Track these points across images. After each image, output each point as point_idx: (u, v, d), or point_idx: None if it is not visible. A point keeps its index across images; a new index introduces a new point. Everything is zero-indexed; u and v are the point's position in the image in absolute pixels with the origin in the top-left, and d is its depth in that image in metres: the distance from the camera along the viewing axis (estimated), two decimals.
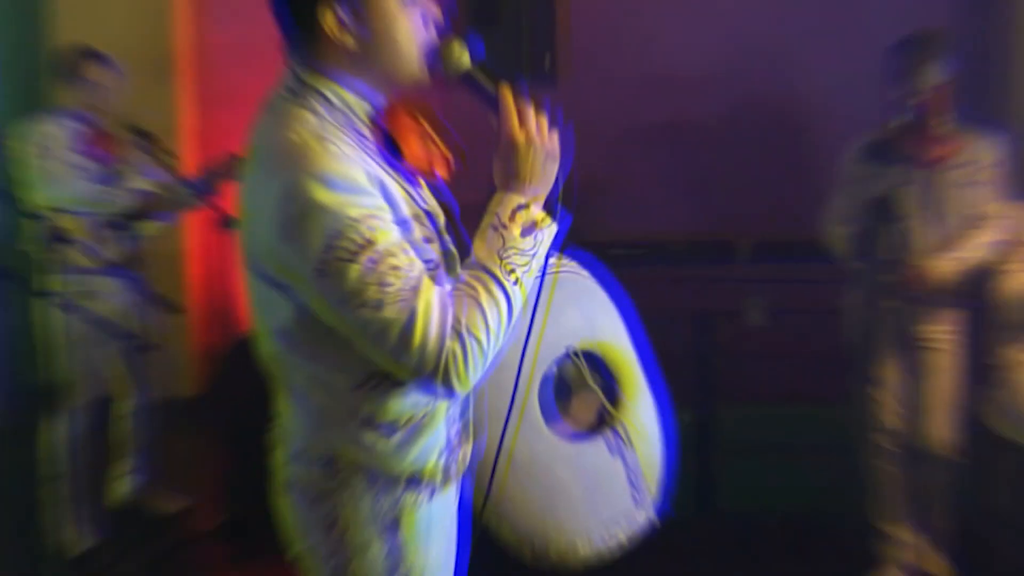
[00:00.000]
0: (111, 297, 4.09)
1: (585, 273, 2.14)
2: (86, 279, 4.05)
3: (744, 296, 4.52)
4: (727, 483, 4.26)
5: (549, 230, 1.63)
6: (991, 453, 3.75)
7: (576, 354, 2.09)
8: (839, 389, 3.96)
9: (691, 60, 5.23)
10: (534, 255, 1.61)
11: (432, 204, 1.72)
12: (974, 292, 3.68)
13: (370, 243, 1.47)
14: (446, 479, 1.76)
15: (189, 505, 4.46)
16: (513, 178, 1.62)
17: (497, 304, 1.56)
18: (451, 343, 1.50)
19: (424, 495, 1.72)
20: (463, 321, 1.51)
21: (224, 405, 4.92)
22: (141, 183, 4.16)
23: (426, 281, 1.51)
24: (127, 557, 4.08)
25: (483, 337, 1.53)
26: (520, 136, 1.60)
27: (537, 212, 1.62)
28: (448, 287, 1.56)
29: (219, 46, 5.68)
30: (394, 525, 1.70)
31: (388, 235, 1.50)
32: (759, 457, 4.40)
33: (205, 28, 5.70)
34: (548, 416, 2.06)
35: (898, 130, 3.46)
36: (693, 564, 3.91)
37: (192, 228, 5.67)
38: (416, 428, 1.69)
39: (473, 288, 1.55)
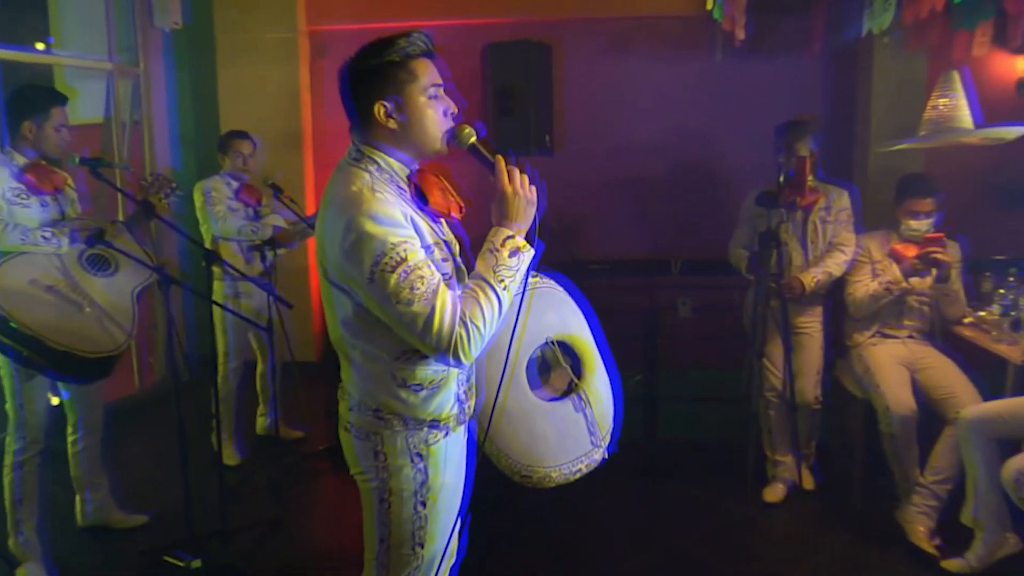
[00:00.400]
0: (252, 297, 4.09)
1: (559, 288, 2.12)
2: (237, 285, 4.05)
3: (677, 297, 4.46)
4: (664, 422, 4.21)
5: (528, 253, 1.64)
6: (841, 401, 3.69)
7: (553, 343, 2.07)
8: (741, 359, 3.91)
9: (645, 134, 5.19)
10: (517, 270, 1.62)
11: (449, 235, 1.76)
12: (831, 295, 3.63)
13: (404, 260, 1.53)
14: (458, 423, 1.78)
15: (305, 435, 4.46)
16: (504, 217, 1.63)
17: (491, 303, 1.58)
18: (459, 328, 1.55)
19: (441, 434, 1.74)
20: (467, 313, 1.56)
21: (334, 367, 4.94)
22: (276, 220, 4.15)
23: (442, 287, 1.57)
24: (264, 468, 4.07)
25: (480, 325, 1.57)
26: (509, 189, 1.62)
27: (520, 241, 1.62)
28: (458, 291, 1.60)
29: (331, 126, 5.68)
30: (421, 455, 1.72)
31: (416, 255, 1.55)
32: (686, 405, 4.36)
33: (322, 113, 5.70)
34: (532, 384, 2.05)
35: (781, 184, 3.39)
36: (639, 477, 3.87)
37: (313, 249, 5.66)
38: (436, 387, 1.72)
39: (475, 292, 1.59)
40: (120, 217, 4.30)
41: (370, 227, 1.53)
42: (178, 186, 3.44)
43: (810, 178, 3.48)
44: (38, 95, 2.98)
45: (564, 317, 2.11)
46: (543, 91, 4.89)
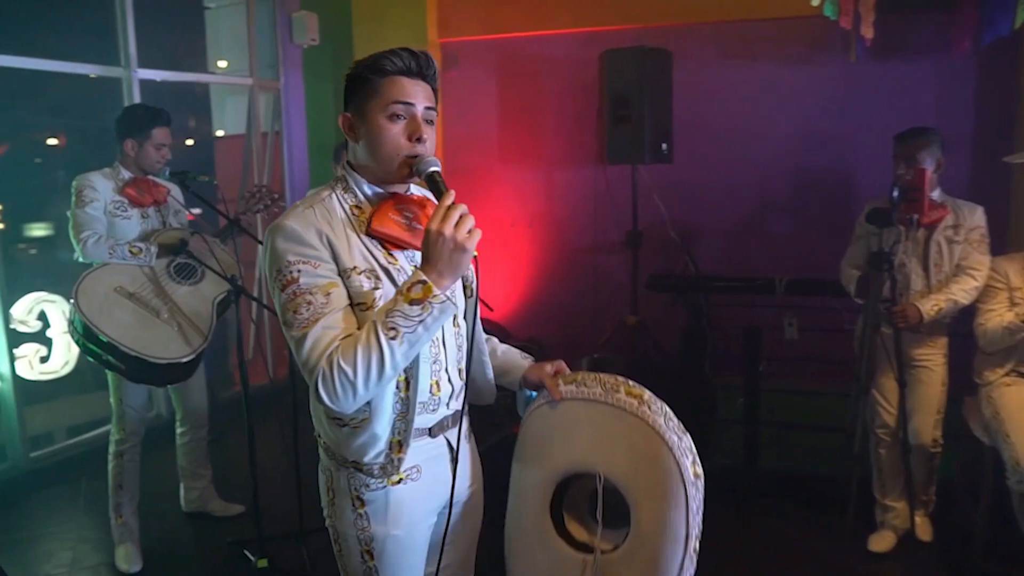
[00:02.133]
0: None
1: (653, 411, 1.69)
2: None
3: (783, 317, 4.09)
4: (765, 449, 3.89)
5: (438, 306, 1.40)
6: (967, 444, 3.21)
7: (600, 482, 1.70)
8: (849, 387, 3.51)
9: (766, 144, 4.86)
10: (419, 322, 1.40)
11: (399, 265, 1.55)
12: (958, 325, 3.18)
13: (294, 280, 1.44)
14: (383, 474, 1.58)
15: None
16: (424, 260, 1.43)
17: (369, 350, 1.39)
18: (324, 365, 1.40)
19: (374, 482, 1.58)
20: (337, 353, 1.39)
21: None
22: None
23: (326, 317, 1.42)
24: None
25: (349, 371, 1.38)
26: (434, 227, 1.40)
27: (430, 290, 1.39)
28: (341, 326, 1.43)
29: (456, 136, 5.74)
30: (357, 500, 1.59)
31: (310, 278, 1.45)
32: (790, 433, 4.00)
33: (448, 123, 5.77)
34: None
35: (894, 199, 3.00)
36: (731, 509, 3.58)
37: None
38: (353, 428, 1.55)
39: (360, 334, 1.41)
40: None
41: (276, 241, 1.47)
42: (280, 196, 3.57)
43: (936, 192, 3.08)
44: (140, 116, 3.17)
45: (631, 453, 1.67)
46: (661, 98, 4.65)
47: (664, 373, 4.74)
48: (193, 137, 5.82)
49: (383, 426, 1.54)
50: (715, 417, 4.24)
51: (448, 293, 1.42)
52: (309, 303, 1.42)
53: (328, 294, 1.44)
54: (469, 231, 1.39)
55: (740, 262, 4.89)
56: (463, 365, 1.68)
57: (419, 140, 1.51)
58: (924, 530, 3.27)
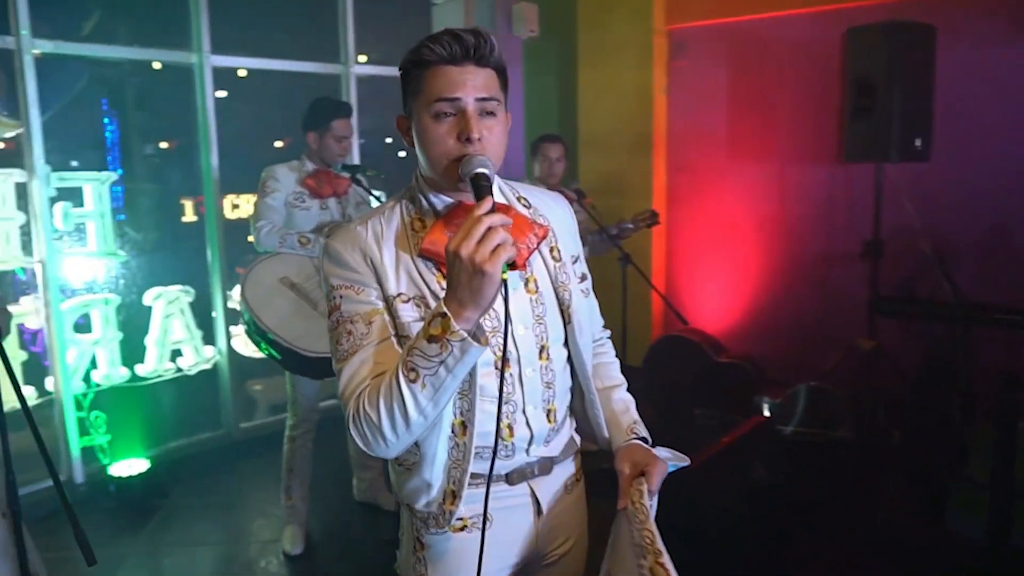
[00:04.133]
0: None
1: None
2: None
3: None
4: (1019, 526, 3.04)
5: (459, 346, 1.14)
6: None
7: None
8: None
9: None
10: (440, 363, 1.15)
11: None
12: None
13: (336, 307, 1.29)
14: (437, 522, 1.37)
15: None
16: (447, 286, 1.16)
17: (392, 393, 1.19)
18: (353, 406, 1.23)
19: (430, 526, 1.38)
20: (366, 393, 1.22)
21: (652, 373, 4.62)
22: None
23: (364, 350, 1.26)
24: None
25: (373, 415, 1.20)
26: (451, 246, 1.13)
27: (449, 325, 1.13)
28: (379, 360, 1.26)
29: (682, 128, 5.30)
30: (418, 542, 1.41)
31: (351, 306, 1.29)
32: None
33: (673, 115, 5.34)
34: None
35: None
36: None
37: (658, 257, 5.35)
38: (406, 469, 1.36)
39: (387, 373, 1.21)
40: None
41: (324, 263, 1.33)
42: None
43: None
44: (323, 108, 3.18)
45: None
46: (918, 83, 3.84)
47: (901, 414, 3.96)
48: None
49: (435, 473, 1.33)
50: (960, 475, 3.43)
51: (476, 329, 1.16)
52: (350, 333, 1.27)
53: (370, 323, 1.27)
54: (494, 250, 1.11)
55: (1007, 287, 3.91)
56: (556, 405, 1.41)
57: (468, 140, 1.25)
58: None
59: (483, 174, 1.21)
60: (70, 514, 1.58)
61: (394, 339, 1.27)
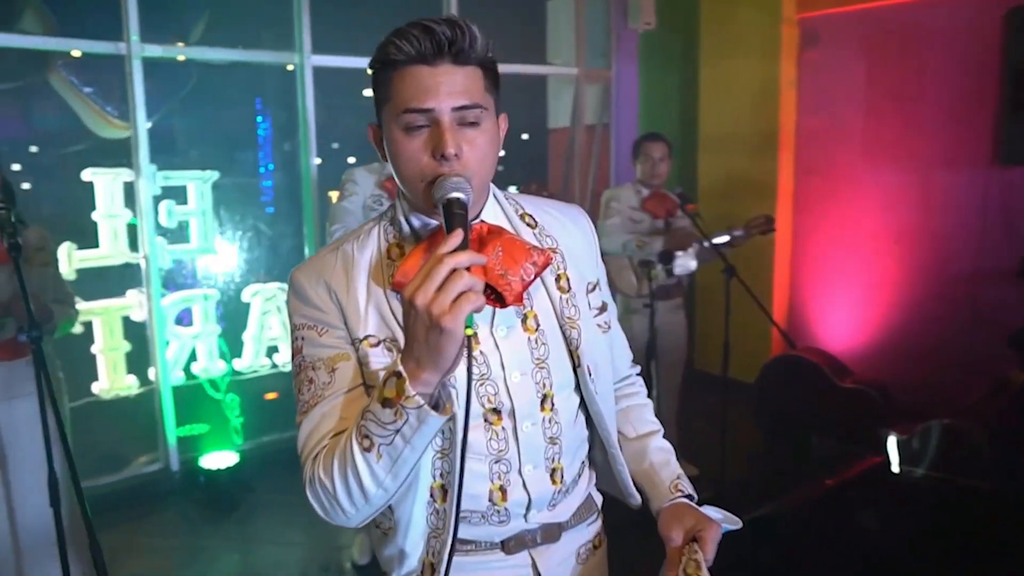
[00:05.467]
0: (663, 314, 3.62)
1: None
2: (630, 301, 3.67)
3: None
4: None
5: (418, 413, 0.94)
6: None
7: None
8: None
9: None
10: (397, 431, 0.95)
11: None
12: None
13: (298, 351, 1.12)
14: None
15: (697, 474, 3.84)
16: (404, 340, 0.97)
17: (346, 460, 1.01)
18: (309, 467, 1.06)
19: None
20: (322, 456, 1.05)
21: (765, 394, 4.21)
22: (677, 235, 3.60)
23: (325, 402, 1.07)
24: None
25: (327, 481, 1.03)
26: (407, 292, 0.93)
27: (403, 388, 0.94)
28: (341, 415, 1.07)
29: (812, 127, 4.79)
30: None
31: (312, 349, 1.10)
32: None
33: (803, 113, 4.84)
34: None
35: None
36: None
37: (781, 268, 4.89)
38: (383, 533, 1.17)
39: (345, 435, 1.03)
40: None
41: (289, 296, 1.14)
42: (549, 195, 3.23)
43: None
44: None
45: None
46: None
47: None
48: (528, 132, 5.76)
49: (412, 542, 1.14)
50: None
51: (441, 392, 0.98)
52: (311, 381, 1.09)
53: (334, 370, 1.08)
54: (456, 300, 0.90)
55: None
56: (564, 463, 1.19)
57: (444, 156, 1.03)
58: None
59: (456, 200, 1.00)
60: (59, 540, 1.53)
61: (364, 389, 1.09)
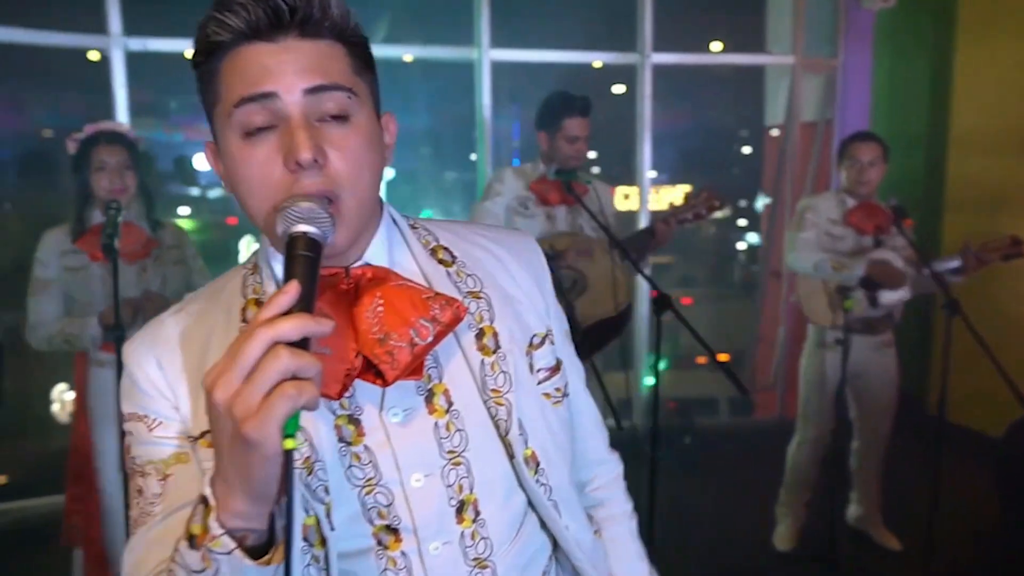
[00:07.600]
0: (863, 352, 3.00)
1: None
2: (825, 333, 3.05)
3: None
4: None
5: (228, 560, 0.63)
6: None
7: None
8: None
9: None
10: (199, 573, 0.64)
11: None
12: None
13: (127, 449, 0.81)
14: None
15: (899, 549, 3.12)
16: (214, 451, 0.65)
17: None
18: None
19: None
20: None
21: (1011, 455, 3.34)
22: (887, 255, 2.92)
23: (153, 522, 0.76)
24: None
25: None
26: (206, 380, 0.61)
27: (210, 523, 0.64)
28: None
29: None
30: None
31: (143, 449, 0.79)
32: None
33: None
34: None
35: None
36: None
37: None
38: None
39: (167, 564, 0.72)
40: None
41: (124, 371, 0.83)
42: (722, 204, 2.75)
43: None
44: (553, 105, 2.73)
45: None
46: None
47: None
48: (746, 128, 5.15)
49: None
50: None
51: (272, 525, 0.67)
52: (139, 491, 0.79)
53: (165, 478, 0.78)
54: (268, 394, 0.58)
55: None
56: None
57: (298, 164, 0.71)
58: None
59: (299, 237, 0.68)
60: None
61: None
